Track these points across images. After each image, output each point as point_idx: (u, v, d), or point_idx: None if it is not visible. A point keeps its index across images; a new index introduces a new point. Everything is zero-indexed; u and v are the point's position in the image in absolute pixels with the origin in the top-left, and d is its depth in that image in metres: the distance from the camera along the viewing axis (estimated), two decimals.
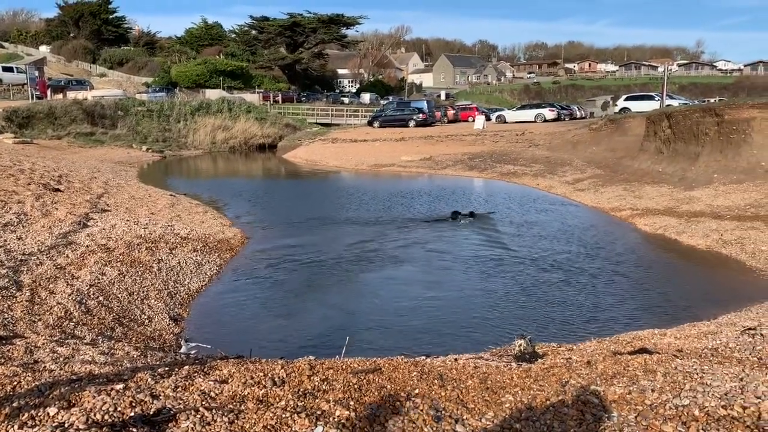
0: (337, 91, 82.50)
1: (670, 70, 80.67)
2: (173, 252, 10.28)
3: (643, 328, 7.00)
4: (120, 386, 4.03)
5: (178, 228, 12.09)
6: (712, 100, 45.51)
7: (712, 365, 4.91)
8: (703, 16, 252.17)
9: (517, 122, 42.16)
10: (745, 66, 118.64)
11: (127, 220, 11.98)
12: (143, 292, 8.25)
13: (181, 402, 3.87)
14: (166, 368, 4.58)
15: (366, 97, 70.41)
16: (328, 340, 7.02)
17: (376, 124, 43.85)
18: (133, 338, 6.63)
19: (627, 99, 41.24)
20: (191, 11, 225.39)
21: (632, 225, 13.96)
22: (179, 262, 9.82)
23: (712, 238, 11.75)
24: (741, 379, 4.48)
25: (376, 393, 4.29)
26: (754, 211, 13.03)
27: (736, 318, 7.13)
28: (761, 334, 6.06)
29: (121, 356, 5.24)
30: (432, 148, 32.16)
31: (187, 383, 4.19)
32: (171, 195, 17.23)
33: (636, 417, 3.92)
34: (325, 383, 4.42)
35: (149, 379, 4.21)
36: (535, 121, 41.73)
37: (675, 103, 35.66)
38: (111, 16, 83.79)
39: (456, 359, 5.53)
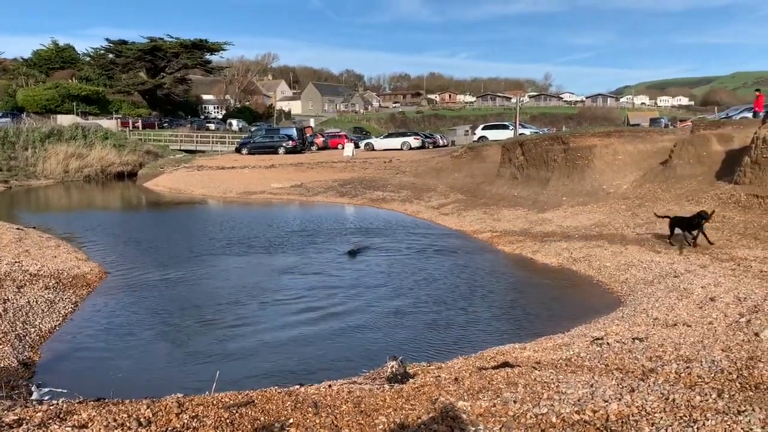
0: (202, 117, 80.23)
1: (522, 101, 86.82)
2: (21, 290, 9.44)
3: (505, 343, 7.40)
4: None
5: (27, 264, 11.14)
6: (548, 129, 49.34)
7: (566, 374, 5.31)
8: (549, 51, 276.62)
9: (384, 150, 43.30)
10: (586, 98, 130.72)
11: None
12: None
13: None
14: (15, 417, 4.19)
15: (234, 123, 69.17)
16: (196, 376, 6.75)
17: (244, 150, 43.20)
18: None
19: (484, 128, 43.76)
20: (39, 32, 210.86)
21: (492, 246, 14.75)
22: (29, 301, 9.04)
23: (563, 257, 12.71)
24: (591, 386, 4.90)
25: (249, 426, 4.21)
26: (599, 231, 14.28)
27: (586, 329, 7.75)
28: (607, 343, 6.65)
29: None
30: (303, 175, 32.17)
31: (41, 431, 3.87)
32: (18, 228, 15.84)
33: (500, 428, 4.15)
34: (195, 420, 4.27)
35: None
36: (401, 149, 43.11)
37: (527, 131, 38.42)
38: None
39: (330, 385, 5.55)
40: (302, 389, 5.39)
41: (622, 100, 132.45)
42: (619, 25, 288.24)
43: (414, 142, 44.48)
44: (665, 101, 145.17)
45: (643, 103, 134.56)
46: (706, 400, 4.45)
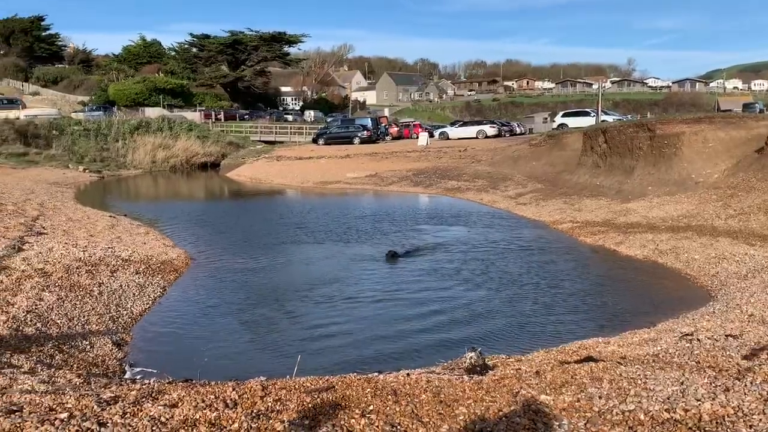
0: (281, 108, 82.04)
1: (604, 87, 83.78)
2: (114, 275, 9.97)
3: (588, 338, 7.19)
4: (64, 415, 3.87)
5: (119, 250, 11.75)
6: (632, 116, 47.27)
7: (654, 371, 5.09)
8: (633, 35, 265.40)
9: (459, 139, 42.87)
10: (673, 83, 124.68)
11: (65, 243, 11.56)
12: (84, 317, 7.96)
13: (130, 428, 3.76)
14: (112, 394, 4.43)
15: (307, 114, 70.37)
16: (278, 360, 6.93)
17: (321, 141, 43.86)
18: (75, 365, 6.38)
19: (564, 115, 42.42)
20: (129, 29, 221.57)
21: (573, 237, 14.36)
22: (121, 285, 9.54)
23: (648, 249, 12.21)
24: (681, 383, 4.67)
25: (330, 411, 4.26)
26: (687, 222, 13.62)
27: (674, 324, 7.41)
28: (698, 339, 6.33)
29: (63, 384, 5.03)
30: (377, 165, 32.35)
31: (135, 409, 4.07)
32: (111, 216, 16.75)
33: (585, 424, 4.03)
34: (279, 403, 4.37)
35: (95, 407, 4.06)
36: (477, 138, 42.54)
37: (609, 118, 36.96)
38: (44, 33, 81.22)
39: (408, 374, 5.55)
40: (381, 377, 5.42)
41: (711, 84, 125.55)
42: (709, 5, 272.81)
43: (490, 130, 43.78)
44: (760, 85, 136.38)
45: (735, 88, 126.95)
46: None
